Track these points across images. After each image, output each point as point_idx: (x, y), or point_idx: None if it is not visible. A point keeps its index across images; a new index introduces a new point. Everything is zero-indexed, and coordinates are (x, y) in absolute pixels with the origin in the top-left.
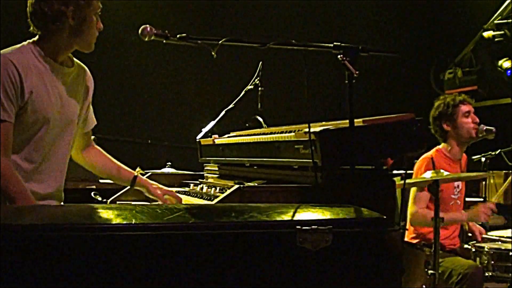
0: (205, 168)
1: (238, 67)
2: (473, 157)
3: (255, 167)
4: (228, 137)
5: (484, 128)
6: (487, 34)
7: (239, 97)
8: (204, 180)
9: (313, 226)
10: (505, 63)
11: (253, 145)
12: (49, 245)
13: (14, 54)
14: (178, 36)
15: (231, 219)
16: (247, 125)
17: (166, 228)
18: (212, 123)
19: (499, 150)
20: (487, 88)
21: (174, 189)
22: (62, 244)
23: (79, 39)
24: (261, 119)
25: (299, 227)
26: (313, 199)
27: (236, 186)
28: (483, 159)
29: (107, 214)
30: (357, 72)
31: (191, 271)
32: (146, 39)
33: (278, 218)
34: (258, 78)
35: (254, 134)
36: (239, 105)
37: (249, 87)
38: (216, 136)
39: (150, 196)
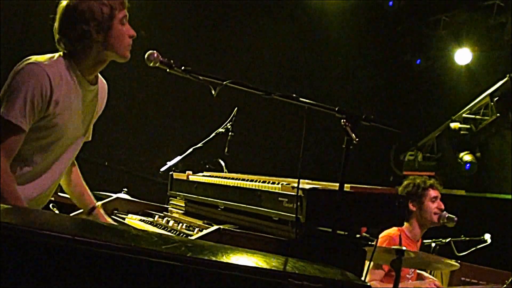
0: (170, 202)
1: (213, 108)
2: (424, 241)
3: (218, 209)
4: (203, 176)
5: (446, 215)
6: (454, 125)
7: (208, 138)
8: (169, 213)
9: (304, 282)
10: (465, 156)
11: (231, 189)
12: (38, 251)
13: (50, 66)
14: (183, 68)
15: (225, 260)
16: (207, 166)
17: (163, 257)
18: (178, 158)
19: (449, 239)
20: (444, 176)
21: (138, 217)
22: (49, 253)
23: (110, 52)
24: (223, 163)
25: (291, 279)
26: (288, 254)
27: (216, 227)
28: (433, 245)
29: (104, 231)
30: (357, 139)
31: None
32: (151, 64)
33: (271, 267)
34: (231, 123)
35: (233, 179)
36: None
37: (220, 130)
38: (190, 172)
39: None
